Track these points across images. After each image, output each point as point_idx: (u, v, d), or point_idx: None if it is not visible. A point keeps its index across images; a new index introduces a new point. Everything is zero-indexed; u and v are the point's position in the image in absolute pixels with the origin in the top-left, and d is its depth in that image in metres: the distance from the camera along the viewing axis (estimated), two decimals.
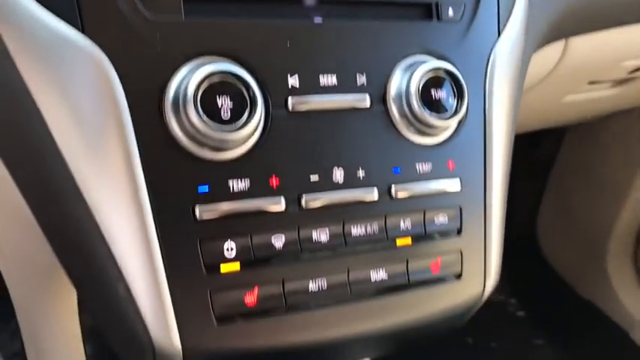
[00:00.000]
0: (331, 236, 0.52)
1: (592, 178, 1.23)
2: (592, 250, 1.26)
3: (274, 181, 0.50)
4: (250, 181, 0.49)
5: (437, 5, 0.56)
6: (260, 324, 0.50)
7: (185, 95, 0.46)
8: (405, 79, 0.53)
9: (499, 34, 0.59)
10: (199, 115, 0.46)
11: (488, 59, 0.57)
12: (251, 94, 0.47)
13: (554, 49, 0.71)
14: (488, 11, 0.58)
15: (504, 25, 0.59)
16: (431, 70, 0.53)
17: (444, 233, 0.56)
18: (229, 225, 0.49)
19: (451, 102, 0.54)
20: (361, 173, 0.53)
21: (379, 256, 0.54)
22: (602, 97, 0.79)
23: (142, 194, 0.46)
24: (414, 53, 0.55)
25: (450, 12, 0.56)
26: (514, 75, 0.60)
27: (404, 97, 0.53)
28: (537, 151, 1.33)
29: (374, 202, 0.53)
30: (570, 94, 0.78)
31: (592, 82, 0.75)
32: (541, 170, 1.35)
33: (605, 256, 1.23)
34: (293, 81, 0.51)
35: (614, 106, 0.85)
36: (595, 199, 1.23)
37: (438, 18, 0.56)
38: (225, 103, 0.47)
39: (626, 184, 1.14)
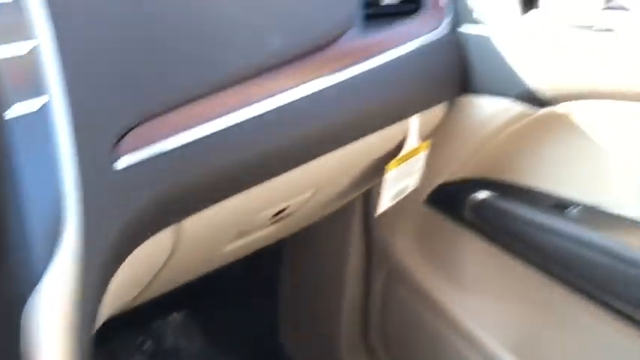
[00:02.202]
0: None
1: (313, 279, 1.25)
2: (327, 340, 1.26)
3: None
4: None
5: None
6: None
7: None
8: None
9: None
10: None
11: None
12: None
13: (167, 237, 0.57)
14: None
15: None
16: None
17: None
18: None
19: None
20: None
21: None
22: (261, 236, 0.80)
23: None
24: None
25: None
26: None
27: None
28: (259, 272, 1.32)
29: None
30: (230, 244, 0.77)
31: (242, 232, 0.73)
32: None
33: (339, 344, 1.24)
34: None
35: (277, 237, 0.88)
36: (320, 292, 1.25)
37: None
38: None
39: (341, 272, 1.17)
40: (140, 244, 0.51)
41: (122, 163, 0.47)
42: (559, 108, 0.85)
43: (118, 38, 0.49)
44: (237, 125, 0.56)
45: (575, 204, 0.91)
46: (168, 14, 0.53)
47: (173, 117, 0.50)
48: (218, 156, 0.54)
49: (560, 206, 0.91)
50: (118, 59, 0.48)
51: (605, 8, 0.81)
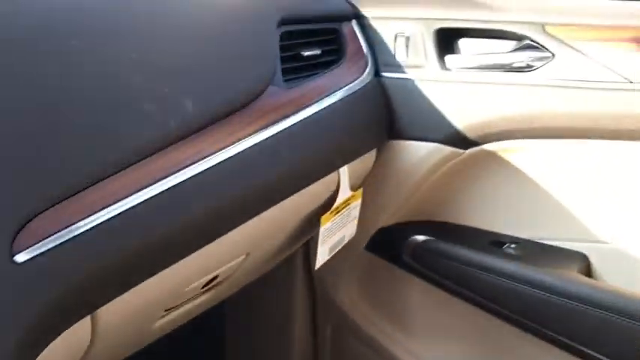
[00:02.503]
0: None
1: (260, 338, 1.22)
2: None
3: None
4: None
5: None
6: None
7: None
8: None
9: None
10: None
11: None
12: None
13: (82, 328, 0.52)
14: None
15: None
16: None
17: None
18: None
19: None
20: None
21: None
22: (194, 306, 0.77)
23: None
24: None
25: None
26: None
27: None
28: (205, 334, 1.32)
29: None
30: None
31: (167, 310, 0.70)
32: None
33: None
34: None
35: (213, 303, 0.86)
36: (268, 351, 1.21)
37: None
38: None
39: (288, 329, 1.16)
40: (52, 340, 0.47)
41: (23, 256, 0.43)
42: (486, 147, 0.86)
43: (12, 122, 0.46)
44: (153, 199, 0.52)
45: (512, 239, 0.92)
46: (68, 89, 0.50)
47: (79, 200, 0.47)
48: (133, 236, 0.50)
49: (497, 243, 0.91)
50: (12, 145, 0.45)
51: (517, 48, 0.83)
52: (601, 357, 0.79)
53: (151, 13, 0.61)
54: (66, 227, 0.46)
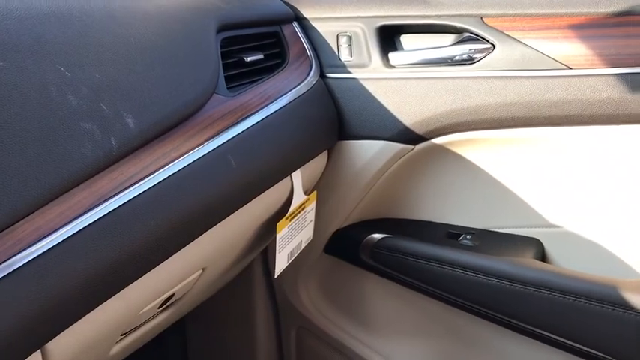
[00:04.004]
0: None
1: (223, 350, 1.21)
2: None
3: None
4: None
5: None
6: None
7: None
8: None
9: None
10: None
11: None
12: None
13: None
14: None
15: None
16: None
17: None
18: None
19: None
20: None
21: None
22: (153, 326, 0.76)
23: None
24: None
25: None
26: None
27: None
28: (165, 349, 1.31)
29: None
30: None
31: (124, 334, 0.69)
32: None
33: None
34: None
35: (172, 320, 0.85)
36: None
37: None
38: None
39: (251, 337, 1.14)
40: None
41: None
42: (435, 141, 0.86)
43: None
44: (99, 222, 0.50)
45: (467, 230, 0.93)
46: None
47: (16, 231, 0.44)
48: (78, 263, 0.47)
49: (453, 235, 0.92)
50: None
51: (458, 42, 0.84)
52: (558, 338, 0.81)
53: (83, 27, 0.58)
54: (4, 261, 0.43)
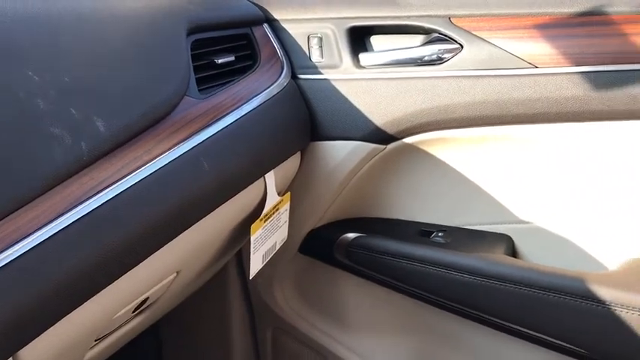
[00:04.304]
0: None
1: (199, 352, 1.21)
2: None
3: None
4: None
5: None
6: None
7: None
8: None
9: None
10: None
11: None
12: None
13: None
14: None
15: None
16: None
17: None
18: None
19: None
20: None
21: None
22: (127, 331, 0.76)
23: None
24: None
25: None
26: None
27: None
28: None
29: None
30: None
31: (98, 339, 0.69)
32: None
33: None
34: None
35: (148, 324, 0.85)
36: None
37: None
38: None
39: (227, 339, 1.15)
40: None
41: None
42: (406, 141, 0.88)
43: None
44: (71, 226, 0.49)
45: (439, 228, 0.94)
46: None
47: None
48: (50, 269, 0.47)
49: (425, 233, 0.93)
50: None
51: (426, 42, 0.85)
52: (528, 331, 0.83)
53: (52, 30, 0.58)
54: None
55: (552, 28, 0.79)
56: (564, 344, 0.81)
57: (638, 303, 0.74)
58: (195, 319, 1.15)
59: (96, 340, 0.66)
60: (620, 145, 0.81)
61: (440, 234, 0.92)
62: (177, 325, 1.17)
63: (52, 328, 0.50)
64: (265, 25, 0.90)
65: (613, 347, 0.78)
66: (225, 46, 0.81)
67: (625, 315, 0.75)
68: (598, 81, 0.77)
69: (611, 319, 0.76)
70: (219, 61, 0.78)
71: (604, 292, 0.76)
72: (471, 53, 0.81)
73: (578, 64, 0.77)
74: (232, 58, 0.80)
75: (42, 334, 0.49)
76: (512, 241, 0.90)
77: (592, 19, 0.78)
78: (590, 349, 0.80)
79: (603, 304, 0.76)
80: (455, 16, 0.82)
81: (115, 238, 0.54)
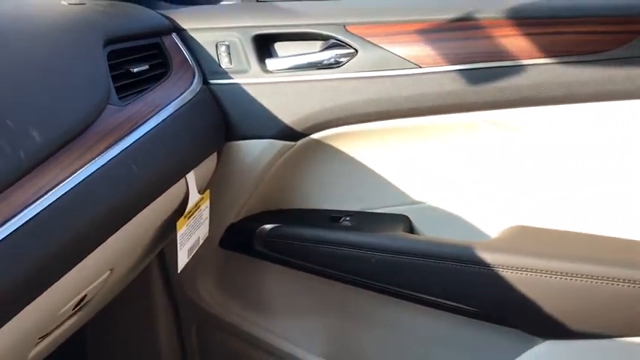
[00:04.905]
0: None
1: (126, 352, 1.25)
2: None
3: None
4: None
5: None
6: None
7: None
8: None
9: None
10: None
11: None
12: None
13: None
14: None
15: None
16: None
17: None
18: None
19: None
20: None
21: None
22: (66, 329, 0.81)
23: None
24: None
25: None
26: None
27: None
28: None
29: None
30: None
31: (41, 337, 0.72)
32: None
33: None
34: None
35: (82, 323, 0.90)
36: None
37: None
38: None
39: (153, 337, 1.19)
40: None
41: None
42: (313, 137, 0.97)
43: None
44: (15, 232, 0.53)
45: (346, 213, 1.04)
46: None
47: None
48: None
49: (334, 219, 1.03)
50: None
51: (325, 48, 0.95)
52: (431, 298, 0.95)
53: None
54: None
55: (433, 32, 0.91)
56: (461, 306, 0.94)
57: (514, 263, 0.88)
58: (120, 320, 1.18)
59: (40, 339, 0.70)
60: (489, 131, 0.94)
61: (347, 218, 1.03)
62: (102, 326, 1.19)
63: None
64: (174, 35, 0.95)
65: (499, 303, 0.91)
66: (138, 55, 0.86)
67: (505, 274, 0.88)
68: (471, 77, 0.90)
69: (495, 278, 0.89)
70: (135, 69, 0.83)
71: (487, 257, 0.89)
72: (365, 57, 0.92)
73: (454, 63, 0.90)
74: (147, 67, 0.85)
75: None
76: (410, 220, 1.02)
77: (466, 23, 0.90)
78: (480, 306, 0.93)
79: (487, 266, 0.89)
80: (349, 24, 0.93)
81: (58, 240, 0.58)
